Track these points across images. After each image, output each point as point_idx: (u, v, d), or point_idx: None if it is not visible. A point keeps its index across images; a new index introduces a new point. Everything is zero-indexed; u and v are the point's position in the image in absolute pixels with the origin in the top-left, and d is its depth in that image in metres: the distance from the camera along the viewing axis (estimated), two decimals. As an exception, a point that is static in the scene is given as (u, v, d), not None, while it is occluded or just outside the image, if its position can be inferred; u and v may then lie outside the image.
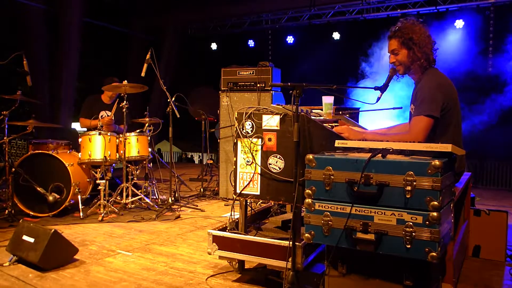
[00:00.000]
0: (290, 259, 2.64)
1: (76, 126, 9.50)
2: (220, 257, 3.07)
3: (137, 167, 5.72)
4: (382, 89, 3.03)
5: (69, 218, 4.93)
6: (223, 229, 3.15)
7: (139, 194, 5.44)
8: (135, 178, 5.67)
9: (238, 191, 3.02)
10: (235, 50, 11.70)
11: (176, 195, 5.86)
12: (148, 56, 5.26)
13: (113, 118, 5.84)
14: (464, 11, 8.67)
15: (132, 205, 5.44)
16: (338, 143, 2.54)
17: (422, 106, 2.86)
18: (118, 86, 5.31)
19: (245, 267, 3.22)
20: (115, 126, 5.92)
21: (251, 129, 2.95)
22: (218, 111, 6.11)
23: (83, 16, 9.55)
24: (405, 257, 2.09)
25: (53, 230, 3.29)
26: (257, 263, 3.15)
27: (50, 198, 4.74)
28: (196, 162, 13.27)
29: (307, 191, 2.34)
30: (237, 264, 3.16)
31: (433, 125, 2.84)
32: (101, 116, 6.05)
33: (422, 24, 3.05)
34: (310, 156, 2.34)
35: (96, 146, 5.08)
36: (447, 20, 8.81)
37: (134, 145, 5.45)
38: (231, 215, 3.15)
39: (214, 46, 11.84)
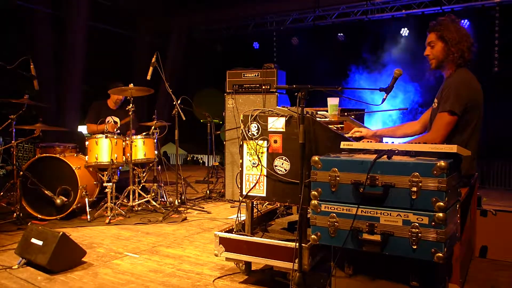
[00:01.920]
0: (296, 261, 2.65)
1: (82, 129, 9.55)
2: (227, 259, 3.09)
3: (144, 169, 5.75)
4: (387, 90, 3.04)
5: (77, 221, 4.97)
6: (230, 231, 3.17)
7: (146, 196, 5.47)
8: (143, 181, 5.70)
9: (244, 193, 3.03)
10: (240, 52, 11.72)
11: (183, 197, 5.89)
12: (153, 59, 5.29)
13: (118, 126, 5.91)
14: (469, 11, 8.64)
15: (139, 208, 5.48)
16: (343, 144, 2.55)
17: (446, 103, 2.88)
18: (124, 89, 5.34)
19: (252, 269, 3.23)
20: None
21: (256, 131, 2.97)
22: (224, 113, 6.13)
23: (89, 20, 9.60)
24: (411, 258, 2.09)
25: (61, 233, 3.32)
26: (264, 264, 3.17)
27: (58, 201, 4.77)
28: (201, 164, 13.30)
29: (313, 192, 2.35)
30: (244, 265, 3.17)
31: (456, 122, 2.86)
32: (108, 121, 6.09)
33: (458, 23, 3.09)
34: (316, 158, 2.35)
35: (103, 149, 5.12)
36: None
37: (141, 147, 5.49)
38: (237, 217, 3.16)
39: (219, 48, 11.86)
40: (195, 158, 14.02)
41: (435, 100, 3.07)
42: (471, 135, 2.96)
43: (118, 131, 5.96)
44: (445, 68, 3.11)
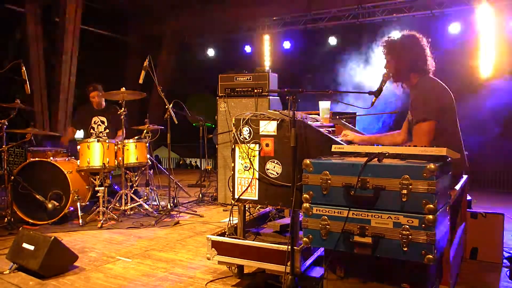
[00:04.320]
0: (288, 263, 2.66)
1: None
2: (219, 262, 3.09)
3: (136, 173, 5.74)
4: (376, 93, 3.07)
5: (69, 225, 4.95)
6: (222, 234, 3.17)
7: (138, 200, 5.46)
8: (135, 185, 5.69)
9: (236, 197, 3.04)
10: (232, 56, 11.72)
11: (175, 201, 5.88)
12: (145, 63, 5.29)
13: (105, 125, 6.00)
14: (460, 14, 8.71)
15: (131, 212, 5.46)
16: (335, 147, 2.57)
17: (418, 113, 2.94)
18: (116, 93, 5.33)
19: (244, 272, 3.24)
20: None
21: (248, 134, 2.98)
22: (216, 117, 6.14)
23: (81, 23, 9.57)
24: (402, 260, 2.11)
25: (53, 237, 3.31)
26: (256, 267, 3.17)
27: (49, 205, 4.75)
28: (194, 167, 13.27)
29: (304, 195, 2.36)
30: (236, 269, 3.18)
31: (434, 127, 2.90)
32: (94, 121, 6.09)
33: (412, 37, 3.14)
34: (307, 161, 2.36)
35: (95, 153, 5.10)
36: (442, 24, 8.85)
37: (133, 151, 5.47)
38: (229, 220, 3.17)
39: (211, 52, 11.86)
40: (187, 162, 13.99)
41: (409, 113, 3.11)
42: (452, 135, 2.99)
43: (108, 130, 5.99)
44: (404, 81, 3.20)
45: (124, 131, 5.37)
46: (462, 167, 3.15)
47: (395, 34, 3.22)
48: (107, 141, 5.20)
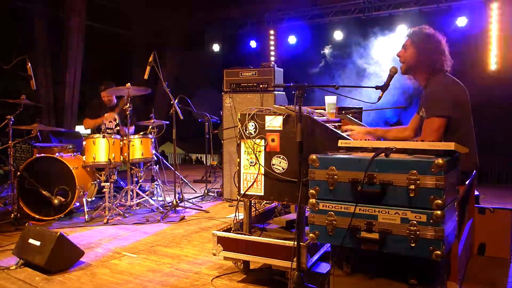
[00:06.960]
0: (295, 259, 2.64)
1: (80, 129, 9.53)
2: (225, 258, 3.08)
3: (142, 169, 5.74)
4: (383, 88, 3.04)
5: (74, 221, 4.96)
6: (228, 230, 3.16)
7: (144, 196, 5.46)
8: (140, 181, 5.69)
9: (242, 192, 3.03)
10: (237, 51, 11.69)
11: (181, 196, 5.88)
12: (150, 59, 5.27)
13: (115, 116, 5.94)
14: (467, 7, 8.62)
15: (137, 207, 5.47)
16: (341, 143, 2.54)
17: (432, 108, 2.90)
18: (122, 88, 5.32)
19: (250, 268, 3.23)
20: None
21: (254, 130, 2.96)
22: (221, 112, 6.12)
23: (86, 19, 9.58)
24: (410, 256, 2.09)
25: (58, 233, 3.31)
26: (262, 263, 3.16)
27: (55, 201, 4.76)
28: (200, 163, 13.27)
29: (311, 191, 2.34)
30: (242, 264, 3.17)
31: (446, 124, 2.86)
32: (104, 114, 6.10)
33: (438, 34, 3.13)
34: (314, 156, 2.34)
35: (100, 149, 5.11)
36: (449, 17, 8.76)
37: (138, 147, 5.47)
38: (235, 216, 3.16)
39: (216, 47, 11.84)
40: (193, 157, 14.01)
41: (422, 109, 3.08)
42: (465, 134, 2.96)
43: (118, 127, 5.98)
44: (416, 75, 3.16)
45: (132, 126, 5.36)
46: (473, 165, 3.12)
47: (418, 28, 3.19)
48: (112, 136, 5.21)
